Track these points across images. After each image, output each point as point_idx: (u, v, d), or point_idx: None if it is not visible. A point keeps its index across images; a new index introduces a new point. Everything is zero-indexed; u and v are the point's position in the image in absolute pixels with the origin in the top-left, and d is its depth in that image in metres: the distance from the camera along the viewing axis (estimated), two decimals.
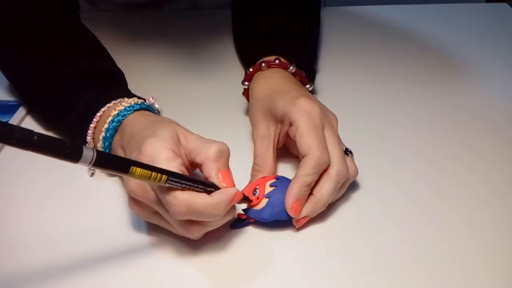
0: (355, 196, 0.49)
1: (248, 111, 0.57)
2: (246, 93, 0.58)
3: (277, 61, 0.55)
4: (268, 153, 0.49)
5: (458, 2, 0.88)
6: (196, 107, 0.61)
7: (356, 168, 0.47)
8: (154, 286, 0.41)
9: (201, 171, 0.42)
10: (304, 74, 0.55)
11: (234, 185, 0.41)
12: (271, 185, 0.45)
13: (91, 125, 0.49)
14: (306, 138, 0.44)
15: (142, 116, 0.47)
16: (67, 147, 0.30)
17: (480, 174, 0.52)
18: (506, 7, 0.88)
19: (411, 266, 0.42)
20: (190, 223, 0.40)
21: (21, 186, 0.51)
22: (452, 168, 0.53)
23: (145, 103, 0.50)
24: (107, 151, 0.48)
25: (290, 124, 0.47)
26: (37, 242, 0.45)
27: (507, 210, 0.47)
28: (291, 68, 0.55)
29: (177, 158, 0.40)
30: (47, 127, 0.58)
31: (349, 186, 0.48)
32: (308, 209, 0.44)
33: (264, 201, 0.44)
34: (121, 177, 0.50)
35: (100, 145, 0.48)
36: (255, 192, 0.45)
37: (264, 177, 0.47)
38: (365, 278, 0.41)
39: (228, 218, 0.42)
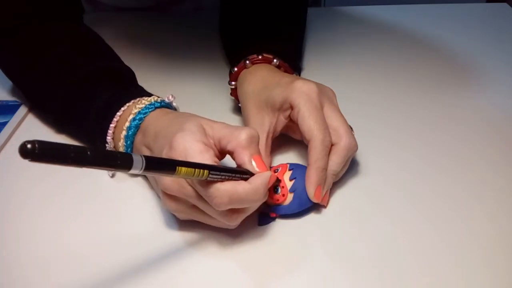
0: (356, 196, 0.49)
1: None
2: (234, 93, 0.58)
3: (260, 57, 0.56)
4: (261, 140, 0.49)
5: (458, 2, 0.88)
6: (199, 107, 0.61)
7: (356, 143, 0.48)
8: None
9: (233, 158, 0.43)
10: (287, 65, 0.56)
11: (267, 169, 0.42)
12: (290, 179, 0.46)
13: (111, 124, 0.48)
14: (307, 122, 0.46)
15: (163, 114, 0.47)
16: (118, 158, 0.31)
17: (481, 174, 0.52)
18: (506, 7, 0.88)
19: (412, 266, 0.42)
20: (232, 211, 0.41)
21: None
22: (453, 169, 0.53)
23: (165, 101, 0.50)
24: (128, 150, 0.48)
25: (291, 108, 0.48)
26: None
27: (507, 209, 0.48)
28: (275, 61, 0.56)
29: (209, 150, 0.40)
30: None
31: (350, 186, 0.49)
32: (325, 185, 0.46)
33: (290, 196, 0.46)
34: (145, 176, 0.51)
35: (121, 144, 0.48)
36: (276, 190, 0.46)
37: (275, 171, 0.47)
38: (365, 277, 0.41)
39: (264, 199, 0.43)
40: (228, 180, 0.39)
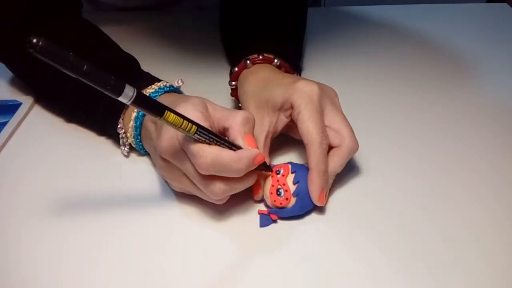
0: (356, 196, 0.49)
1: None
2: (234, 93, 0.58)
3: (260, 57, 0.56)
4: (260, 140, 0.49)
5: (458, 2, 0.88)
6: None
7: (358, 144, 0.48)
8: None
9: (228, 136, 0.44)
10: (288, 65, 0.57)
11: (256, 148, 0.43)
12: (294, 183, 0.46)
13: (121, 113, 0.50)
14: (307, 124, 0.46)
15: (171, 96, 0.49)
16: (111, 80, 0.33)
17: (481, 174, 0.52)
18: (506, 7, 0.88)
19: (412, 266, 0.42)
20: (213, 179, 0.42)
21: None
22: (453, 169, 0.53)
23: (173, 86, 0.51)
24: (138, 130, 0.49)
25: (292, 108, 0.48)
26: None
27: (507, 209, 0.48)
28: (276, 61, 0.56)
29: (205, 120, 0.42)
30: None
31: (350, 186, 0.49)
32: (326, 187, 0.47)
33: (293, 199, 0.46)
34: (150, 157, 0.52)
35: (131, 125, 0.49)
36: (279, 193, 0.46)
37: (277, 172, 0.47)
38: (365, 277, 0.41)
39: (250, 182, 0.44)
40: (215, 145, 0.41)
